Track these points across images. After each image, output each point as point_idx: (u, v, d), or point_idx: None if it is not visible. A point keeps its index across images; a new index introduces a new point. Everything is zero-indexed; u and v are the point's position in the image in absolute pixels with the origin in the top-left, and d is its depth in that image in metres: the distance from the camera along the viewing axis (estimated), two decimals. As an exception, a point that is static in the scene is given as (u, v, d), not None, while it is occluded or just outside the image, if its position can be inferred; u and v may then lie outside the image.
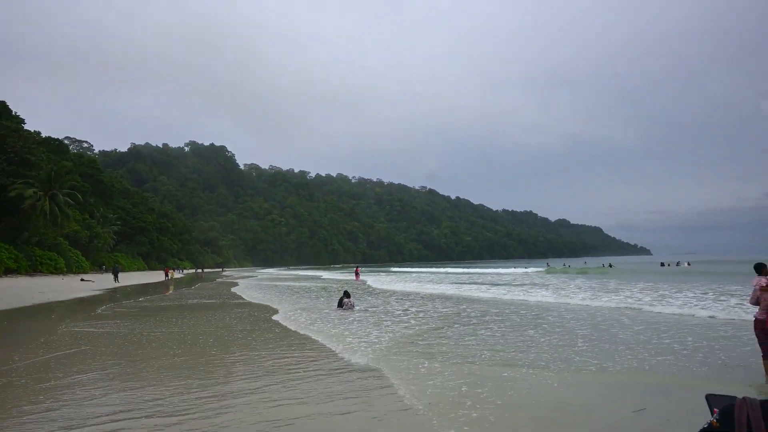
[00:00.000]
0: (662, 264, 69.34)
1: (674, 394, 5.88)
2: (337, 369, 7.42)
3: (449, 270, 63.22)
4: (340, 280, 40.84)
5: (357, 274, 47.44)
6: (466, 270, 61.45)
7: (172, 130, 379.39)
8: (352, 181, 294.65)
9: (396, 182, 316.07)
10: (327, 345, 9.43)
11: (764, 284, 7.00)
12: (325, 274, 59.67)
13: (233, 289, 30.18)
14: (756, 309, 7.05)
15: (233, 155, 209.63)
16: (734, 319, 11.63)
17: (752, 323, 7.03)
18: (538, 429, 4.77)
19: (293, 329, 11.75)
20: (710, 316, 12.36)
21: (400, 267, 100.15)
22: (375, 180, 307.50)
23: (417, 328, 11.52)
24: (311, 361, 7.99)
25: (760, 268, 7.30)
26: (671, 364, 7.36)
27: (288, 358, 8.26)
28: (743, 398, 1.03)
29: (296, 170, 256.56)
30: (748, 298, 7.36)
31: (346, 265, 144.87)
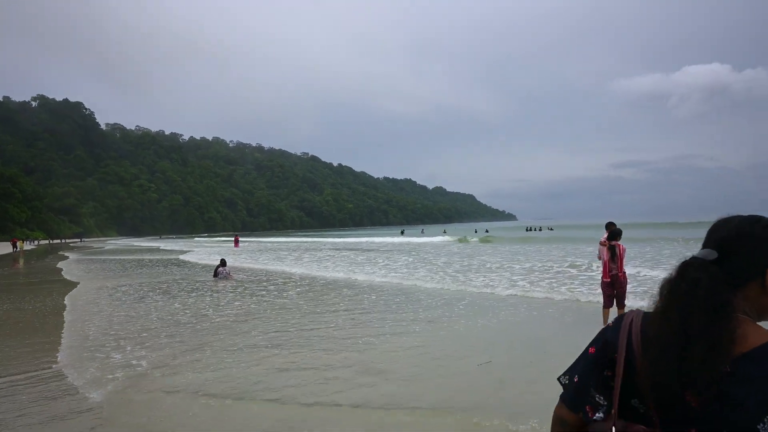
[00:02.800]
0: (527, 229, 75.21)
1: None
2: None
3: (342, 239, 61.98)
4: (182, 251, 38.31)
5: (236, 241, 47.08)
6: (369, 239, 56.16)
7: (12, 80, 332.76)
8: (230, 145, 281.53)
9: (277, 148, 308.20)
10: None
11: (602, 240, 7.98)
12: (176, 245, 55.00)
13: (60, 264, 27.20)
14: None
15: (92, 113, 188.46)
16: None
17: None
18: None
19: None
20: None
21: (281, 236, 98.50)
22: (254, 145, 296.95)
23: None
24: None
25: (608, 226, 8.23)
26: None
27: None
28: (637, 309, 1.21)
29: (167, 132, 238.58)
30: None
31: (224, 233, 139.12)
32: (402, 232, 73.93)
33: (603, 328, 1.27)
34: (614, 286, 7.67)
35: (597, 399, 1.20)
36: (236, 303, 11.41)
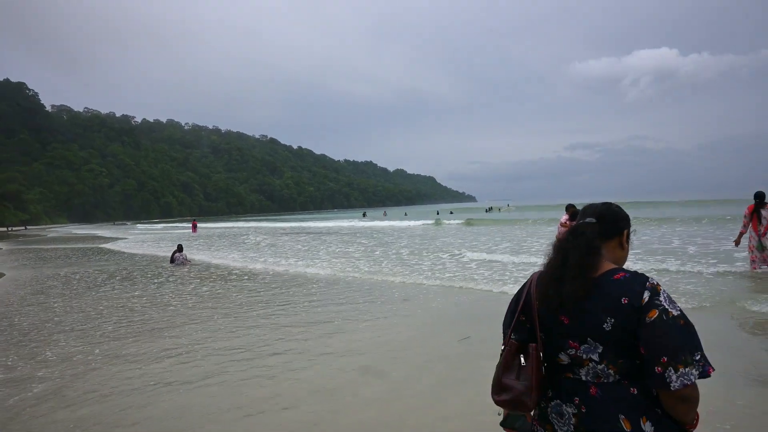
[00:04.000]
0: (487, 210, 76.14)
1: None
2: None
3: (305, 223, 60.94)
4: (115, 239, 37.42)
5: (194, 226, 46.60)
6: (341, 223, 52.59)
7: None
8: (185, 128, 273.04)
9: (234, 130, 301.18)
10: None
11: (563, 221, 8.28)
12: (118, 232, 53.63)
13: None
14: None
15: (35, 94, 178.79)
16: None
17: None
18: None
19: None
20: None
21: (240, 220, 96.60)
22: (211, 127, 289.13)
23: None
24: None
25: (568, 208, 8.54)
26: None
27: None
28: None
29: (118, 114, 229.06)
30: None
31: (181, 218, 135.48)
32: (364, 215, 73.67)
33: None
34: None
35: (512, 337, 1.77)
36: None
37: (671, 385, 1.45)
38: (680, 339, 1.47)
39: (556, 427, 1.65)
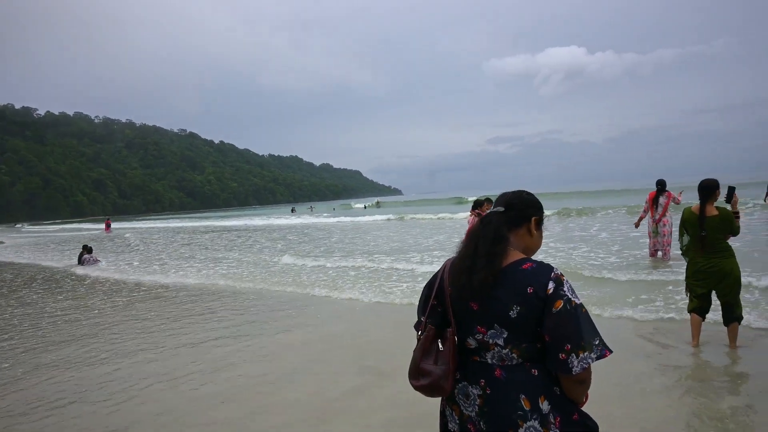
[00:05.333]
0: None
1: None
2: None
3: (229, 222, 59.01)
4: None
5: (107, 226, 45.69)
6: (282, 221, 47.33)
7: None
8: (96, 121, 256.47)
9: (150, 124, 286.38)
10: None
11: (470, 219, 8.29)
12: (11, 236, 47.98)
13: None
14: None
15: None
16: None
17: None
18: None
19: None
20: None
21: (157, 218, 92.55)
22: (124, 121, 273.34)
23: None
24: None
25: (476, 205, 8.41)
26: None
27: None
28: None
29: (18, 106, 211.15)
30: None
31: (94, 217, 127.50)
32: (293, 210, 73.02)
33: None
34: None
35: (426, 321, 1.85)
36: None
37: (573, 369, 1.58)
38: (582, 327, 1.59)
39: (462, 407, 1.75)
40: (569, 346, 1.58)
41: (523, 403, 1.62)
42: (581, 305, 1.64)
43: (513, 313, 1.62)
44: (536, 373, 1.65)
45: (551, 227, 19.41)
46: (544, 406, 1.62)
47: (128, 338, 7.24)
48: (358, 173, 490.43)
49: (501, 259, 1.69)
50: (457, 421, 1.77)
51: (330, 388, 4.83)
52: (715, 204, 5.11)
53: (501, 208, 1.81)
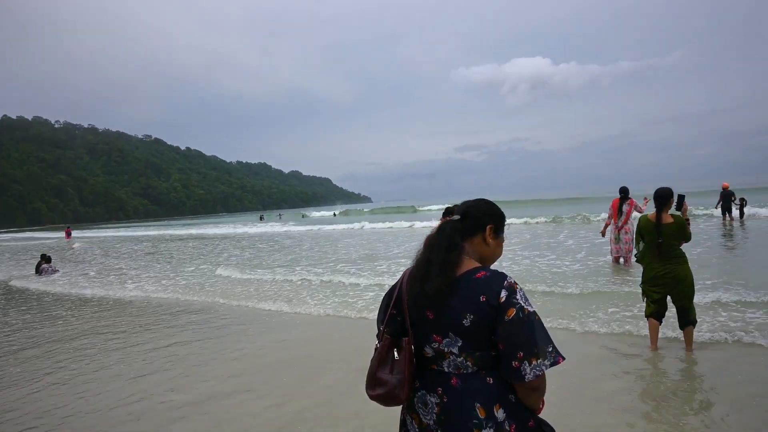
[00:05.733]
0: (261, 218, 74.73)
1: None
2: None
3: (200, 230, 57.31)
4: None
5: (68, 234, 45.33)
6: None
7: None
8: (56, 126, 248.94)
9: (113, 129, 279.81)
10: None
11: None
12: None
13: None
14: None
15: None
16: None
17: None
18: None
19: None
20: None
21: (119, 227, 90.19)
22: (86, 126, 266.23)
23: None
24: None
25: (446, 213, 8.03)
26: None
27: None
28: None
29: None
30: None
31: (53, 226, 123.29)
32: (261, 218, 72.15)
33: None
34: None
35: (384, 330, 1.84)
36: None
37: (525, 377, 1.59)
38: (535, 334, 1.60)
39: (421, 416, 1.75)
40: (522, 354, 1.59)
41: (478, 411, 1.63)
42: (534, 313, 1.64)
43: (466, 322, 1.63)
44: (491, 382, 1.66)
45: (519, 235, 19.71)
46: (500, 414, 1.63)
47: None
48: (327, 180, 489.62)
49: (455, 267, 1.70)
50: (417, 430, 1.76)
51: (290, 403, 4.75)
52: (669, 212, 5.31)
53: (457, 217, 1.82)
